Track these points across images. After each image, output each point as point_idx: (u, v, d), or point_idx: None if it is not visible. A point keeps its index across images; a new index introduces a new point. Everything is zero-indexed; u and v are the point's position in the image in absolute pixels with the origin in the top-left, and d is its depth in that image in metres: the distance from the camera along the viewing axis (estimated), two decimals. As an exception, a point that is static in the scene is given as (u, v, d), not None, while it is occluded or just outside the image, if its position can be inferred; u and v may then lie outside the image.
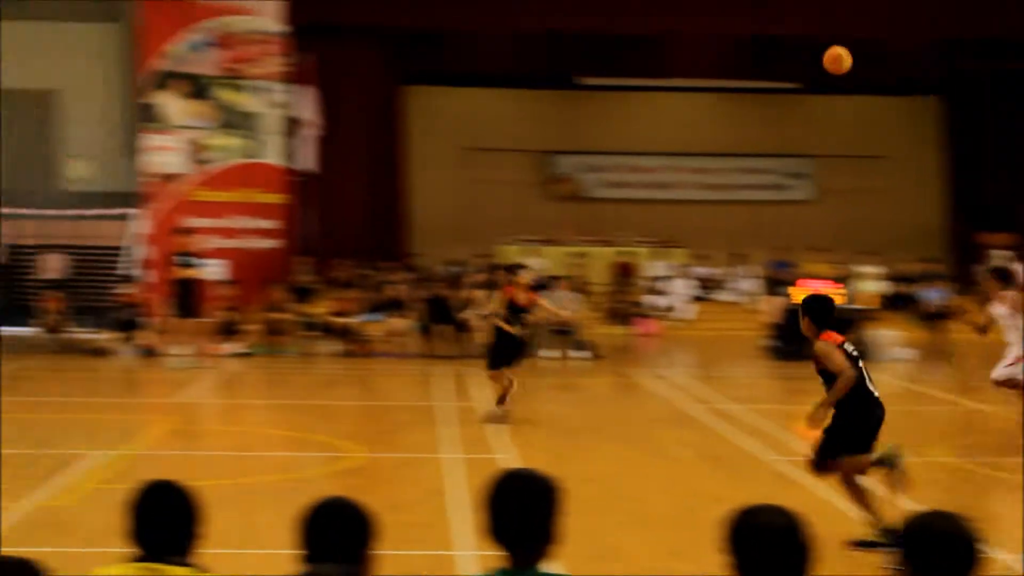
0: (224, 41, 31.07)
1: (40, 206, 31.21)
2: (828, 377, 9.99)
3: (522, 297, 16.56)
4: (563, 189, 39.75)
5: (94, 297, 29.45)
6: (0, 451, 12.97)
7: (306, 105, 31.01)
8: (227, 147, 31.29)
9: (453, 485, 12.28)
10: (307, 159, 31.15)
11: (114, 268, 29.89)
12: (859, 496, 10.12)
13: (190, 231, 24.40)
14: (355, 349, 24.92)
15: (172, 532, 4.40)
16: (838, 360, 9.89)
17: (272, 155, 31.58)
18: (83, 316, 28.44)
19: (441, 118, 38.17)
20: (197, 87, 30.88)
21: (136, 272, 28.69)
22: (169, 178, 30.55)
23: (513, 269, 17.30)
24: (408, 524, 10.42)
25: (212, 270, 28.64)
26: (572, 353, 24.92)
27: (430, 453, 14.21)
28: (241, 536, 10.07)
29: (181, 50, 30.66)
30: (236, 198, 31.09)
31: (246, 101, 31.43)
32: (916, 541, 4.01)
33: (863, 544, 9.83)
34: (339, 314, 25.51)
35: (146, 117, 30.51)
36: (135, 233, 30.34)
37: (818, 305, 10.28)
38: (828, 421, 10.07)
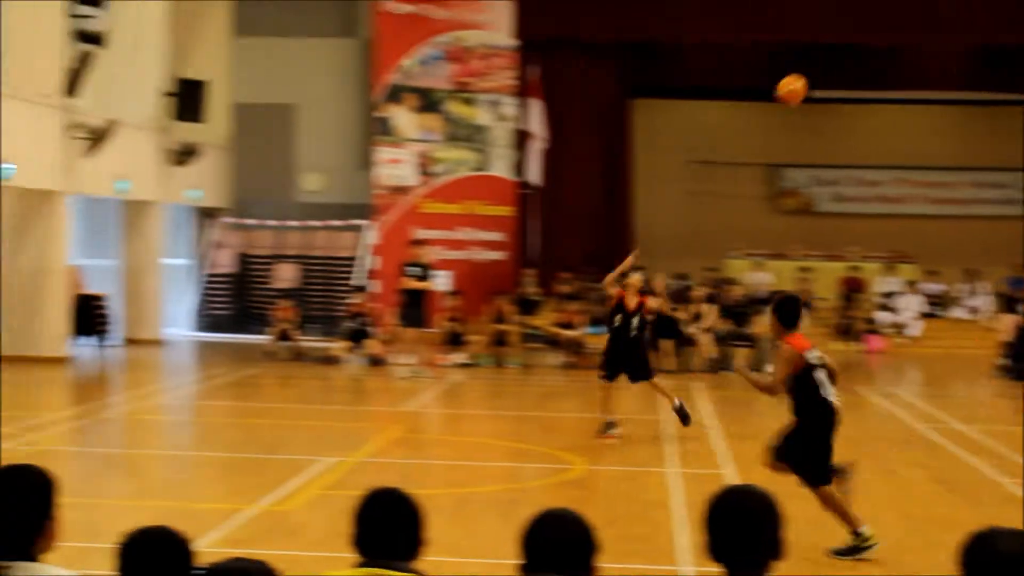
0: (456, 55, 31.52)
1: (275, 217, 32.10)
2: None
3: (632, 301, 16.35)
4: (791, 203, 39.19)
5: (325, 306, 30.16)
6: (232, 455, 13.33)
7: (534, 118, 31.21)
8: (455, 159, 31.71)
9: (674, 500, 12.18)
10: (533, 172, 31.35)
11: (345, 278, 30.54)
12: (837, 509, 10.23)
13: (421, 242, 24.69)
14: (577, 361, 24.95)
15: (397, 539, 4.43)
16: (779, 372, 10.24)
17: (500, 168, 31.89)
18: (314, 325, 29.14)
19: (667, 131, 37.99)
20: (428, 100, 31.38)
21: (366, 282, 29.25)
22: (399, 190, 31.12)
23: (625, 273, 16.64)
24: (628, 538, 10.37)
25: (438, 281, 29.05)
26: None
27: (652, 467, 14.13)
28: (463, 545, 10.15)
29: (413, 64, 31.20)
30: (463, 210, 31.48)
31: (475, 114, 31.81)
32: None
33: (845, 552, 10.10)
34: (562, 326, 25.58)
35: (379, 130, 31.14)
36: (366, 244, 30.97)
37: (786, 305, 10.43)
38: (790, 427, 10.36)
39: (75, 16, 24.40)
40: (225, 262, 31.58)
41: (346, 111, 32.69)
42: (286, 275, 30.67)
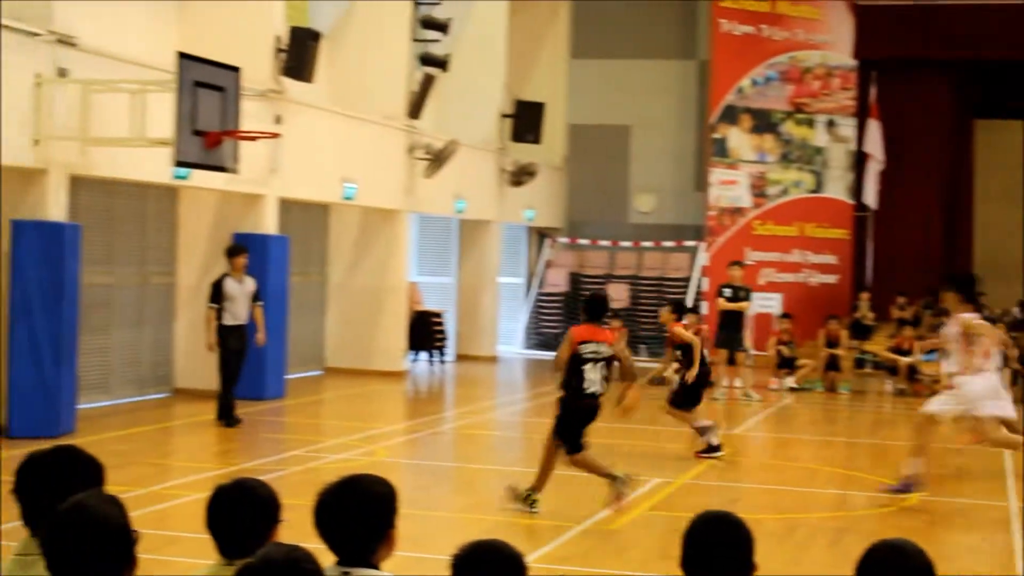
0: (793, 75, 31.19)
1: (607, 237, 32.37)
2: None
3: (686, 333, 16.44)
4: None
5: (655, 327, 30.19)
6: (560, 472, 13.47)
7: (872, 138, 30.55)
8: (790, 181, 31.34)
9: (1017, 538, 11.69)
10: (870, 194, 30.67)
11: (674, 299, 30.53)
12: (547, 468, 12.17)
13: (736, 264, 24.55)
14: (909, 388, 24.24)
15: (727, 563, 4.37)
16: (561, 352, 12.19)
17: (835, 189, 31.36)
18: (643, 345, 29.23)
19: (1012, 152, 36.56)
20: (763, 121, 31.13)
21: (697, 304, 29.19)
22: (733, 211, 30.95)
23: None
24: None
25: (767, 304, 28.75)
26: None
27: (993, 500, 13.61)
28: (790, 572, 9.97)
29: (749, 85, 31.02)
30: (797, 232, 31.07)
31: (812, 135, 31.39)
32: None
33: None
34: (896, 352, 24.89)
35: (713, 151, 31.06)
36: (698, 265, 30.92)
37: (590, 301, 12.63)
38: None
39: (420, 40, 25.24)
40: (557, 281, 32.02)
41: (680, 132, 32.73)
42: (617, 295, 30.87)
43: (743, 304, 23.35)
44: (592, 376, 12.12)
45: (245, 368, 17.66)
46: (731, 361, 23.49)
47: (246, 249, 17.87)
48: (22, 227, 15.48)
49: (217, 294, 17.28)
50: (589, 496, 12.59)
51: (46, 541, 3.76)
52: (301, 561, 3.71)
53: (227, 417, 17.17)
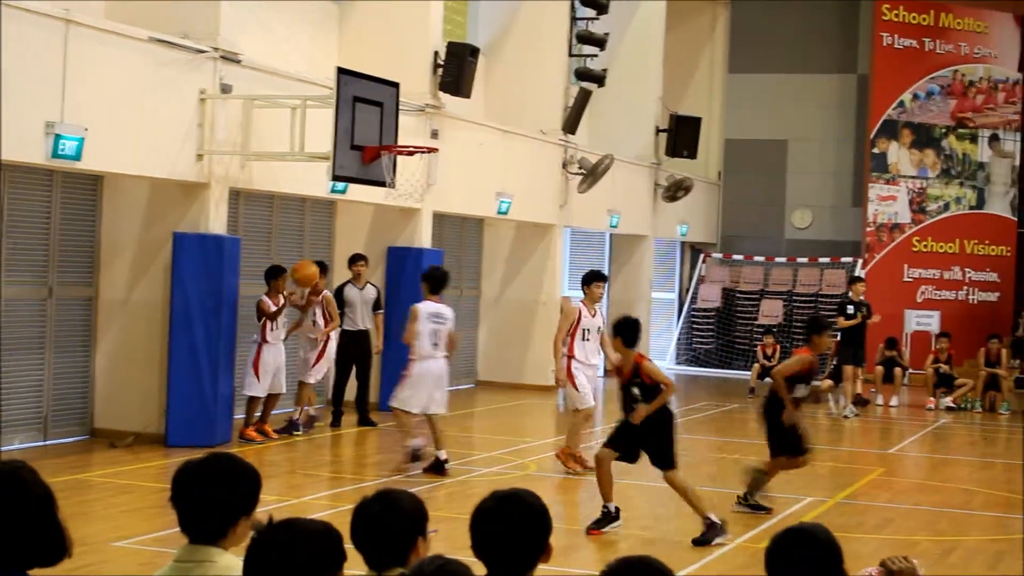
0: (955, 90, 30.67)
1: (761, 253, 32.10)
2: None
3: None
4: None
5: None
6: (712, 489, 13.39)
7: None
8: (950, 197, 30.79)
9: None
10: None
11: (832, 316, 30.13)
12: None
13: (856, 279, 24.31)
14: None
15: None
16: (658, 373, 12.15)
17: (998, 206, 30.74)
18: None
19: None
20: (924, 136, 30.66)
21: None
22: (891, 228, 30.50)
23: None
24: None
25: (926, 322, 28.25)
26: None
27: None
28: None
29: (911, 99, 30.56)
30: (956, 249, 30.52)
31: (974, 150, 30.81)
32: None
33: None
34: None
35: (872, 167, 30.64)
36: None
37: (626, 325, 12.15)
38: None
39: (577, 55, 25.33)
40: (710, 297, 31.82)
41: (838, 147, 32.35)
42: (771, 311, 30.59)
43: (859, 319, 23.03)
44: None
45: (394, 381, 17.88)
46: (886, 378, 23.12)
47: (363, 257, 18.73)
48: (184, 239, 15.85)
49: (338, 301, 18.05)
50: (738, 518, 12.50)
51: (249, 558, 3.85)
52: (456, 573, 3.75)
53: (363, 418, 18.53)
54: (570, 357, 15.34)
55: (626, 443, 12.06)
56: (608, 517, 11.99)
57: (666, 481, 11.96)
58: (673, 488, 11.94)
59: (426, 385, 14.46)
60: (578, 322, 15.31)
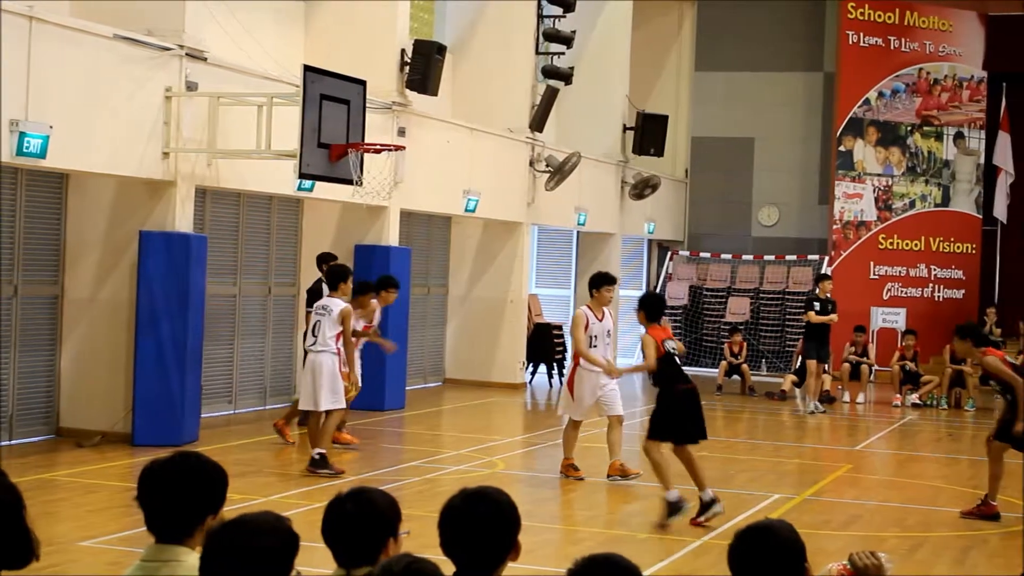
0: (921, 88, 30.81)
1: (728, 250, 32.18)
2: None
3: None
4: None
5: (776, 341, 29.96)
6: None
7: (1001, 152, 30.02)
8: (916, 194, 30.94)
9: None
10: (1000, 207, 30.14)
11: (798, 313, 30.24)
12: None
13: (823, 277, 24.35)
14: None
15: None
16: (649, 356, 12.39)
17: (963, 203, 30.90)
18: (764, 359, 29.03)
19: None
20: (888, 134, 30.79)
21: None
22: (857, 225, 30.62)
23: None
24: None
25: (892, 319, 28.41)
26: None
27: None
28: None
29: (876, 97, 30.69)
30: (922, 246, 30.66)
31: (940, 148, 30.96)
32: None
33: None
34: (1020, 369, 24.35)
35: (838, 164, 30.76)
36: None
37: (652, 301, 12.92)
38: None
39: (544, 53, 25.34)
40: (677, 294, 31.86)
41: (804, 145, 32.44)
42: (738, 309, 30.67)
43: (832, 317, 23.07)
44: (678, 367, 12.63)
45: (365, 379, 17.77)
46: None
47: (333, 256, 17.95)
48: (150, 238, 15.78)
49: (313, 299, 17.58)
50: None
51: (204, 557, 3.85)
52: (424, 572, 3.74)
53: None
54: (576, 364, 14.73)
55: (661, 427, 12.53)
56: (705, 506, 12.25)
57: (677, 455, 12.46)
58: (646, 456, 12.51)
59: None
60: (586, 328, 14.48)
